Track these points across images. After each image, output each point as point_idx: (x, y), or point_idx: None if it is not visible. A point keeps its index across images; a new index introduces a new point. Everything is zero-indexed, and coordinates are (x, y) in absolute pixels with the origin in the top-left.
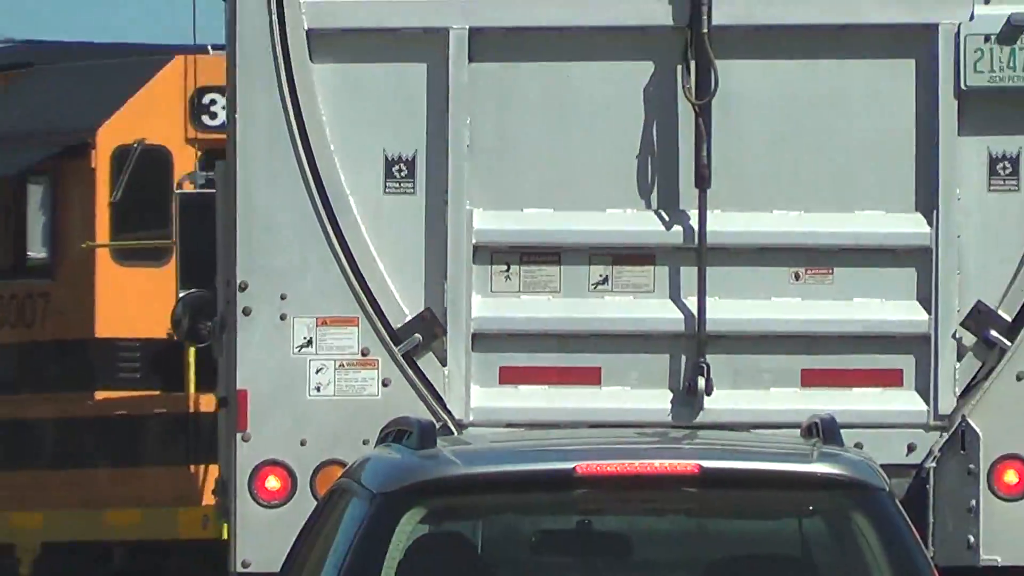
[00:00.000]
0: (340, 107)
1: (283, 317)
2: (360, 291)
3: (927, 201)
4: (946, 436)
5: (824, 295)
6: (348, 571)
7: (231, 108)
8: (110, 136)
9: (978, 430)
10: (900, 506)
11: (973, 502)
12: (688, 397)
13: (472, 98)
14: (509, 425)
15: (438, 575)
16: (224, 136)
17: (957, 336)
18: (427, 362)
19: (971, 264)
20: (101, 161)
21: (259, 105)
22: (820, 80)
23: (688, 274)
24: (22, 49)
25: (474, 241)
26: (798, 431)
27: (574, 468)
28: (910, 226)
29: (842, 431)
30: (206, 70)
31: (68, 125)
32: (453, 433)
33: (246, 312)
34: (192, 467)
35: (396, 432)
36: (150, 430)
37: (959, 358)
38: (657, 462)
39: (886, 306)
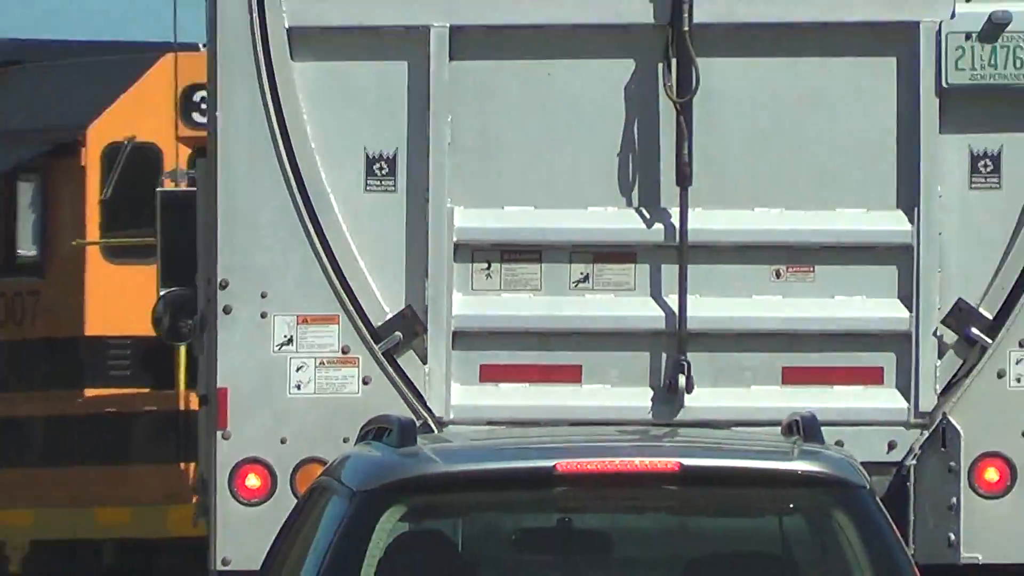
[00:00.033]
0: (321, 105)
1: (263, 315)
2: (341, 289)
3: (908, 199)
4: (927, 434)
5: (805, 293)
6: (328, 569)
7: (212, 106)
8: (100, 134)
9: (959, 428)
10: (881, 504)
11: (954, 500)
12: (669, 395)
13: (453, 96)
14: (490, 423)
15: (418, 573)
16: None
17: (938, 334)
18: (408, 360)
19: (952, 262)
20: (91, 159)
21: (240, 103)
22: (801, 78)
23: (669, 272)
24: (11, 47)
25: (455, 239)
26: (779, 429)
27: (554, 466)
28: (891, 224)
29: (823, 429)
30: (196, 67)
31: (58, 123)
32: (433, 431)
33: (227, 310)
34: (182, 465)
35: (376, 430)
36: (140, 428)
37: (940, 356)
38: (638, 460)
39: (867, 304)
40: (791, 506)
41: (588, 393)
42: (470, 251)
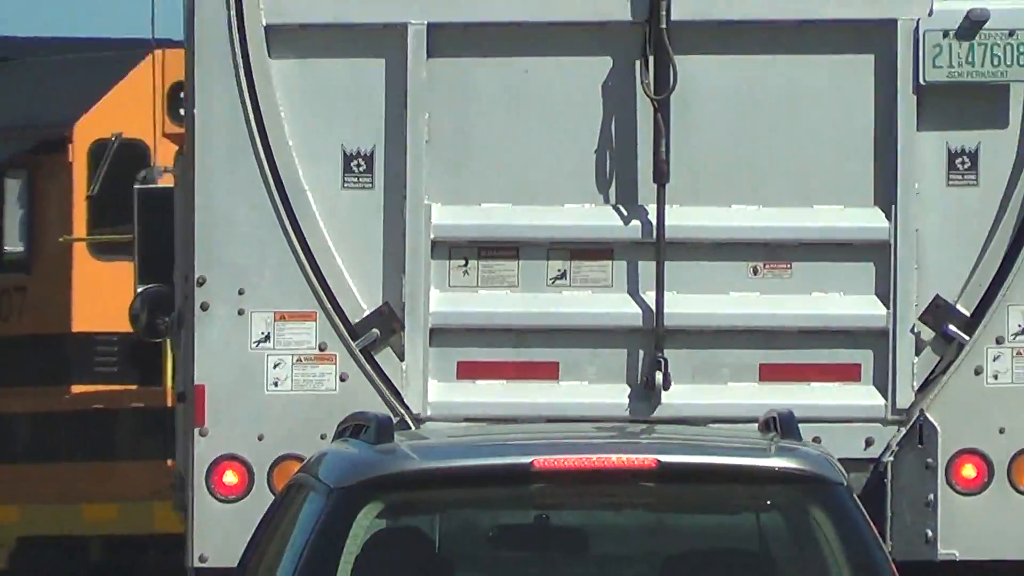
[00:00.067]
0: (298, 102)
1: (241, 312)
2: (318, 286)
3: (886, 196)
4: (904, 430)
5: (782, 290)
6: (305, 566)
7: (189, 103)
8: (87, 130)
9: (936, 424)
10: (858, 500)
11: (931, 496)
12: (646, 392)
13: (430, 93)
14: (467, 420)
15: (395, 570)
16: None
17: (915, 330)
18: (385, 357)
19: (929, 259)
20: (78, 155)
21: (217, 100)
22: (779, 76)
23: (646, 269)
24: None
25: (432, 236)
26: (756, 426)
27: (532, 463)
28: (868, 220)
29: (800, 425)
30: (183, 64)
31: (45, 119)
32: (411, 428)
33: (204, 307)
34: (169, 461)
35: (353, 427)
36: (127, 424)
37: (917, 352)
38: (615, 457)
39: (844, 300)
40: (768, 503)
41: (565, 390)
42: (447, 248)
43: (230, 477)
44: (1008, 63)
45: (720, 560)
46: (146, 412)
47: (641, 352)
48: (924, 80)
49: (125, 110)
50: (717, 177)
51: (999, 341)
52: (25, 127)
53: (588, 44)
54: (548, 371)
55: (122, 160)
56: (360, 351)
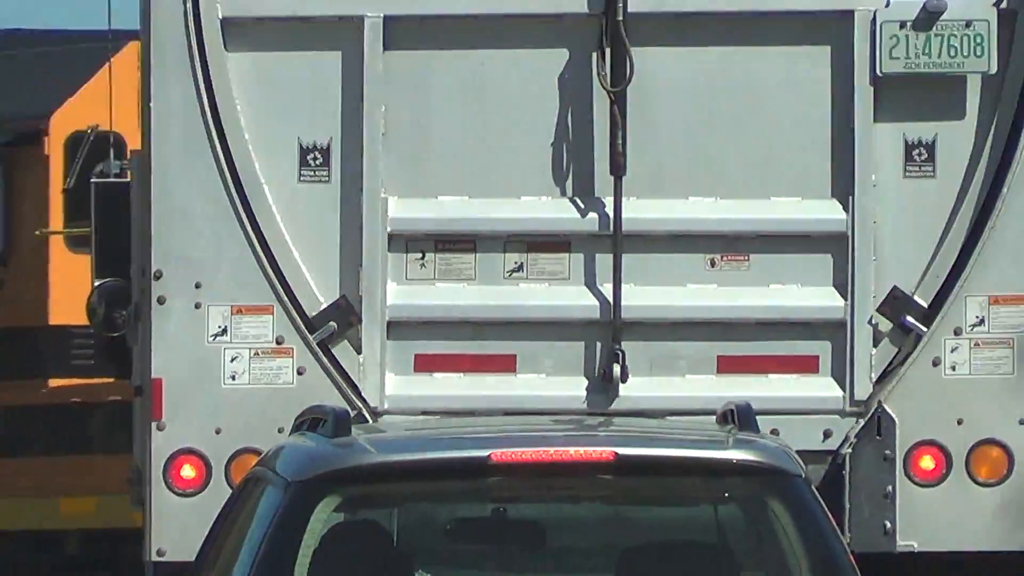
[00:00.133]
0: (255, 96)
1: (198, 306)
2: (275, 279)
3: (843, 187)
4: (862, 422)
5: (740, 282)
6: (263, 559)
7: (145, 97)
8: (63, 123)
9: (894, 416)
10: (816, 492)
11: (889, 488)
12: (603, 384)
13: (387, 86)
14: (424, 413)
15: (353, 563)
16: None
17: (873, 322)
18: (342, 350)
19: (887, 250)
20: (54, 148)
21: (174, 94)
22: (736, 67)
23: (603, 261)
24: None
25: (389, 229)
26: (714, 418)
27: (489, 456)
28: (826, 212)
29: (758, 417)
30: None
31: (20, 112)
32: (368, 421)
33: (161, 301)
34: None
35: (311, 420)
36: (104, 418)
37: (875, 344)
38: (572, 449)
39: (802, 292)
40: (726, 495)
41: (523, 383)
42: (404, 241)
43: (188, 471)
44: (965, 54)
45: (678, 552)
46: (123, 406)
47: (598, 344)
48: (881, 71)
49: (101, 103)
50: (674, 169)
51: (957, 332)
52: (0, 120)
53: (545, 37)
54: (505, 364)
55: (99, 153)
56: (317, 344)
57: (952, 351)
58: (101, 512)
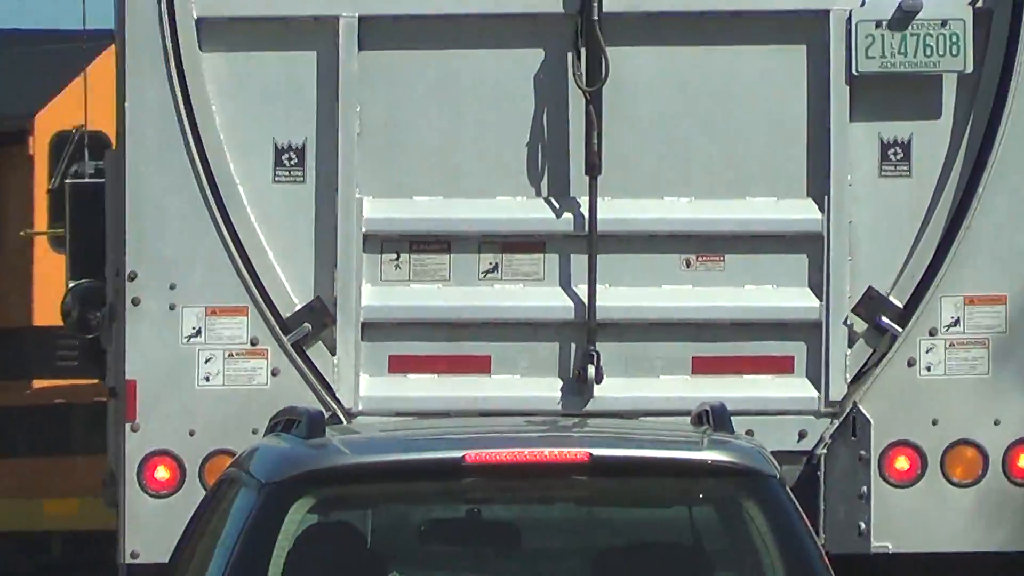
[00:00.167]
0: (230, 96)
1: (172, 307)
2: (249, 280)
3: (818, 187)
4: (837, 423)
5: (715, 282)
6: (237, 561)
7: (120, 97)
8: (48, 122)
9: (869, 416)
10: (791, 493)
11: (864, 489)
12: (578, 385)
13: (362, 86)
14: (399, 414)
15: (327, 565)
16: None
17: (848, 322)
18: (317, 351)
19: (863, 250)
20: (39, 148)
21: (148, 94)
22: (711, 67)
23: (578, 262)
24: None
25: (364, 230)
26: (688, 419)
27: (463, 457)
28: (801, 212)
29: (733, 418)
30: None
31: (5, 111)
32: (342, 422)
33: (135, 302)
34: None
35: (285, 422)
36: (88, 419)
37: (850, 344)
38: (547, 450)
39: (777, 293)
40: (701, 496)
41: (497, 384)
42: (379, 242)
43: (161, 472)
44: (940, 53)
45: (653, 553)
46: (107, 407)
47: (573, 345)
48: (857, 71)
49: (87, 102)
50: (649, 169)
51: (932, 333)
52: None
53: (520, 36)
54: (480, 365)
55: (84, 153)
56: (292, 346)
57: (927, 351)
58: (85, 514)
